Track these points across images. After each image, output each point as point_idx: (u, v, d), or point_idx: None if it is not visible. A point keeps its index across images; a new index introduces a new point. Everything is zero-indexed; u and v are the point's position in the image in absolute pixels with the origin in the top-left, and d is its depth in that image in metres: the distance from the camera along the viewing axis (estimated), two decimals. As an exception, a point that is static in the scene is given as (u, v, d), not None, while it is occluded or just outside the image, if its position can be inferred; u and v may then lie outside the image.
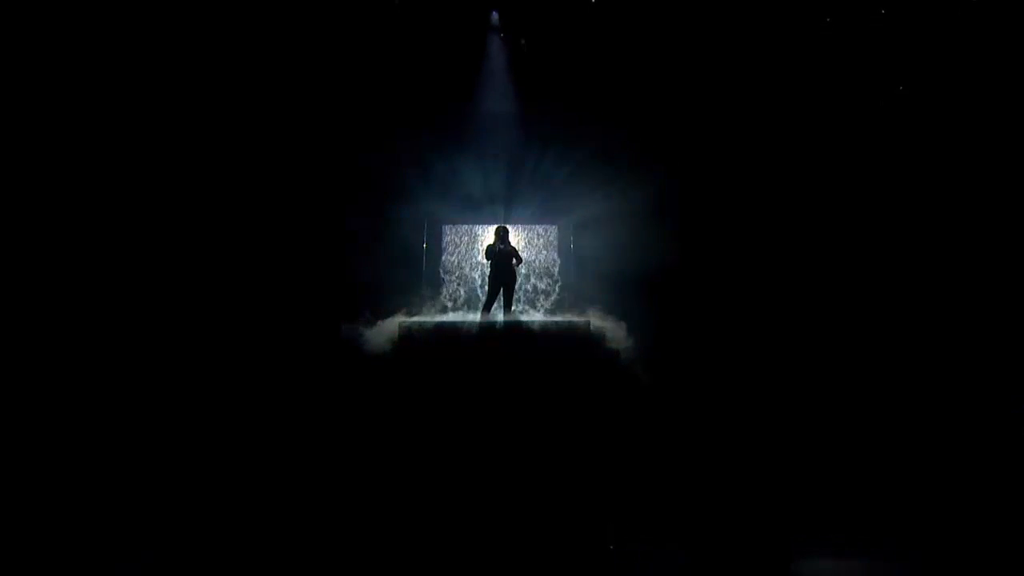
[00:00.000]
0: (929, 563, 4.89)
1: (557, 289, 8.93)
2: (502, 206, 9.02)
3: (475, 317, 7.98)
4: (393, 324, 7.59)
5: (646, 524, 5.78)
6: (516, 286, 8.14)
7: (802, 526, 5.51)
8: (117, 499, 6.07)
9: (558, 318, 7.93)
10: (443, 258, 9.03)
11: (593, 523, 5.94)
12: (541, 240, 9.18)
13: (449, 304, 8.74)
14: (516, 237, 8.97)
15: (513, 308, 8.03)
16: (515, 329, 7.55)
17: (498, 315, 7.86)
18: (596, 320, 7.67)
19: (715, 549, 5.38)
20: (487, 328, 7.61)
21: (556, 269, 9.02)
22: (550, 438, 6.81)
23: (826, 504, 5.86)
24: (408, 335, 7.46)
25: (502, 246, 8.00)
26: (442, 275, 8.97)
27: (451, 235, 9.16)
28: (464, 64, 9.02)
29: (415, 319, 7.74)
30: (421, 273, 8.81)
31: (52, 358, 7.51)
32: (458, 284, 8.93)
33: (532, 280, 8.96)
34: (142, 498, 6.10)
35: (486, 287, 8.15)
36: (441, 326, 7.60)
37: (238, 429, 7.34)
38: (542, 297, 8.87)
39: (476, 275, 8.96)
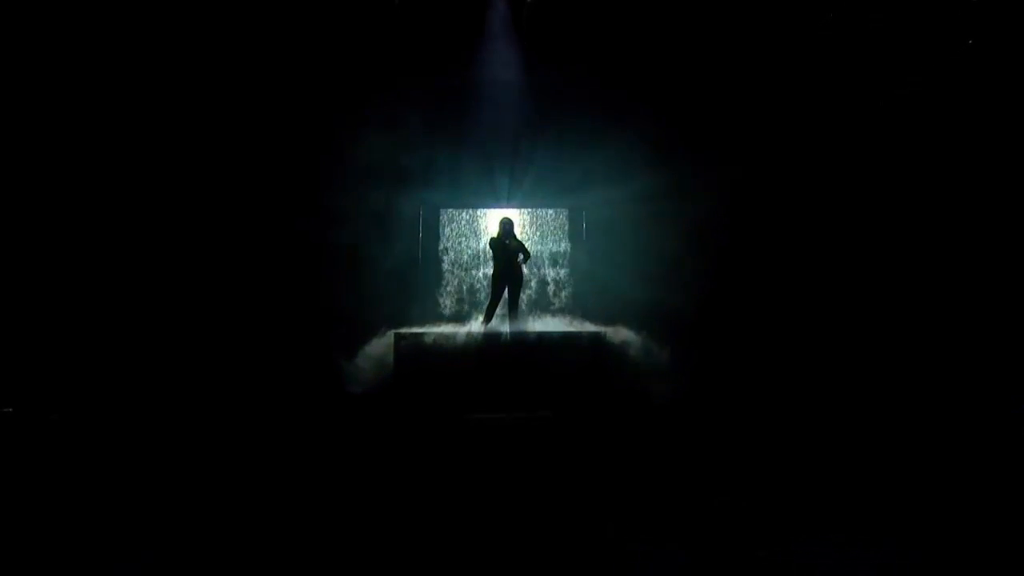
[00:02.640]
0: (929, 563, 4.84)
1: (568, 281, 8.28)
2: (506, 187, 8.34)
3: (477, 323, 7.51)
4: (388, 336, 7.16)
5: (646, 524, 5.62)
6: (523, 284, 7.60)
7: (802, 526, 5.48)
8: (117, 499, 6.02)
9: (568, 327, 7.44)
10: (441, 247, 8.41)
11: (593, 523, 5.82)
12: (550, 225, 8.49)
13: (449, 303, 8.21)
14: (522, 222, 8.37)
15: (519, 308, 7.46)
16: (520, 340, 7.10)
17: (502, 322, 7.41)
18: (610, 329, 7.17)
19: (715, 549, 5.26)
20: (490, 339, 7.15)
21: (566, 259, 8.38)
22: (553, 442, 6.57)
23: (826, 504, 5.85)
24: (405, 347, 7.03)
25: (507, 240, 7.44)
26: (441, 264, 8.36)
27: (450, 220, 8.48)
28: (461, 25, 8.11)
29: (412, 329, 7.30)
30: (418, 266, 8.26)
31: (52, 359, 7.42)
32: (459, 276, 8.33)
33: (540, 272, 8.30)
34: (142, 498, 6.04)
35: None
36: (441, 337, 7.12)
37: (238, 431, 7.10)
38: (551, 291, 8.23)
39: (479, 265, 8.31)
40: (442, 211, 8.43)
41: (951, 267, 7.67)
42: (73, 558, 5.19)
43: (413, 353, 6.97)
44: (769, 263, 7.90)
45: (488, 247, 7.66)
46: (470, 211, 8.45)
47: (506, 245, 7.39)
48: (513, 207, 8.25)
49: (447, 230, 8.41)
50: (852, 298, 7.80)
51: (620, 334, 7.12)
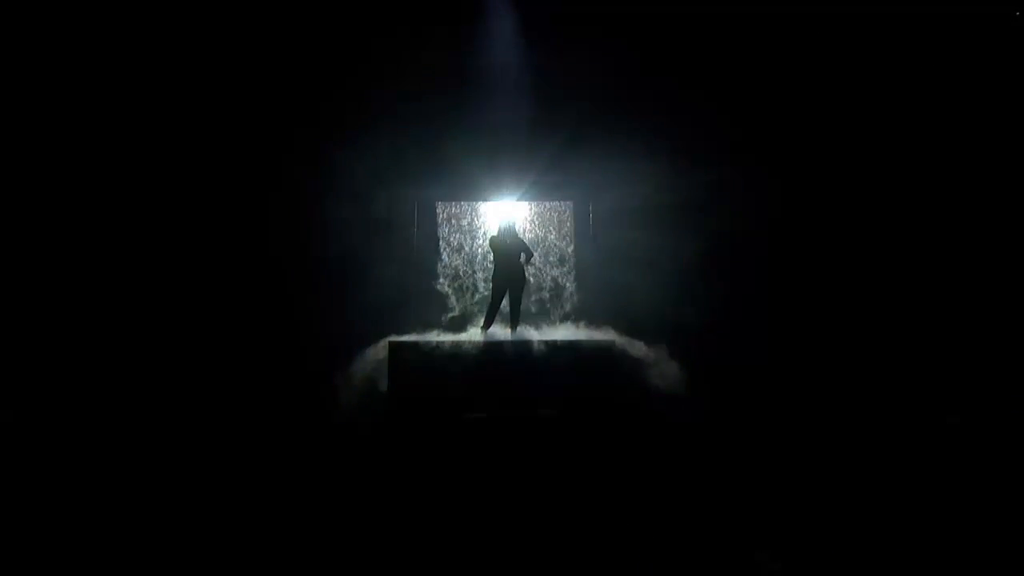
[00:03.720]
0: (928, 563, 4.90)
1: (572, 282, 7.80)
2: (506, 178, 7.71)
3: (476, 329, 7.11)
4: (381, 345, 6.74)
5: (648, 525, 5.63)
6: (525, 286, 7.12)
7: (803, 527, 5.49)
8: (117, 499, 6.02)
9: (574, 335, 7.00)
10: (438, 244, 7.86)
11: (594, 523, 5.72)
12: (554, 220, 7.95)
13: (446, 306, 7.70)
14: (524, 217, 7.85)
15: (521, 313, 7.04)
16: (523, 349, 6.65)
17: (503, 327, 7.01)
18: (621, 337, 6.74)
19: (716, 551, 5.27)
20: (491, 348, 6.72)
21: (571, 259, 7.87)
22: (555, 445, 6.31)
23: (826, 505, 5.82)
24: (400, 358, 6.61)
25: (508, 239, 6.98)
26: (438, 264, 7.81)
27: (447, 215, 7.93)
28: None
29: (407, 338, 6.83)
30: (412, 266, 7.72)
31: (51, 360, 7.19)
32: (457, 277, 7.82)
33: (542, 272, 7.80)
34: (142, 498, 6.03)
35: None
36: (438, 346, 6.68)
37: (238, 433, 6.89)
38: (554, 294, 7.77)
39: (479, 266, 7.81)
40: (439, 205, 7.88)
41: (957, 270, 7.43)
42: (73, 558, 5.17)
43: (409, 364, 6.55)
44: (799, 274, 7.48)
45: (488, 246, 7.20)
46: (469, 204, 7.90)
47: (507, 244, 6.94)
48: (514, 200, 7.74)
49: (444, 226, 7.87)
50: (851, 296, 7.52)
51: (630, 344, 6.70)
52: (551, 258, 7.85)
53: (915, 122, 7.48)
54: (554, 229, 7.91)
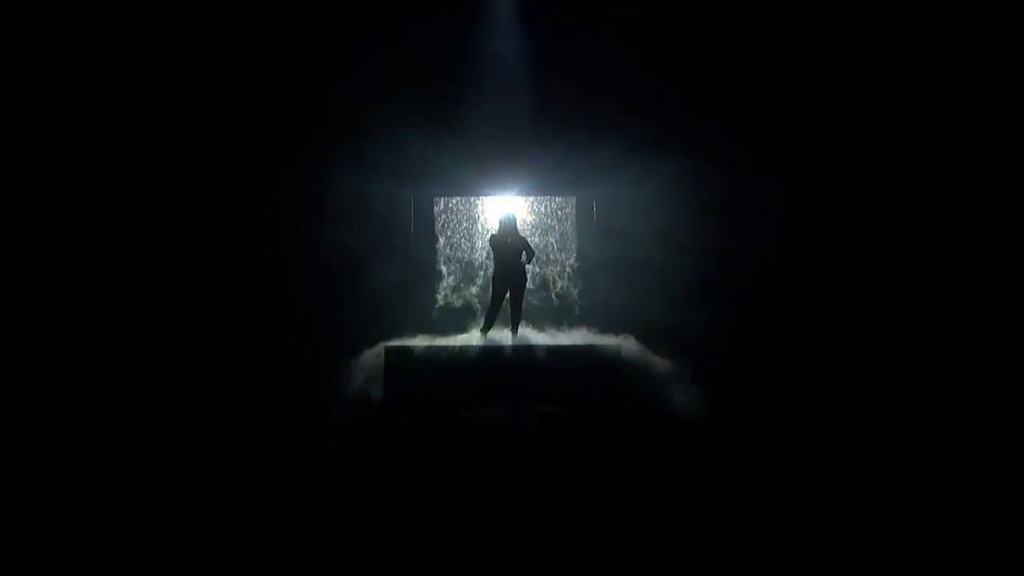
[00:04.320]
0: (927, 564, 4.76)
1: (574, 281, 7.59)
2: (506, 172, 7.47)
3: (476, 331, 6.92)
4: (377, 350, 6.60)
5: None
6: (526, 287, 6.93)
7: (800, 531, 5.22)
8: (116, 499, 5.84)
9: (577, 338, 6.82)
10: (438, 242, 7.67)
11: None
12: (556, 215, 7.72)
13: (445, 308, 7.52)
14: (524, 212, 7.59)
15: (522, 314, 6.86)
16: (525, 353, 6.52)
17: (504, 333, 6.81)
18: (626, 340, 6.55)
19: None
20: (492, 353, 6.56)
21: (573, 257, 7.65)
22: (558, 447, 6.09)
23: (824, 508, 5.55)
24: (396, 363, 6.45)
25: (508, 238, 6.78)
26: (436, 263, 7.63)
27: (445, 212, 7.72)
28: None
29: (403, 342, 6.68)
30: (409, 266, 7.51)
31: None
32: (456, 277, 7.62)
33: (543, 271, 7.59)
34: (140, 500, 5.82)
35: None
36: (437, 350, 6.56)
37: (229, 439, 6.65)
38: (555, 294, 7.58)
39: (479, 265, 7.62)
40: (436, 201, 7.65)
41: (961, 271, 7.22)
42: (72, 558, 5.05)
43: (406, 370, 6.41)
44: (810, 275, 7.22)
45: (488, 245, 6.99)
46: (467, 200, 7.67)
47: (508, 243, 6.75)
48: (515, 195, 7.51)
49: (442, 223, 7.66)
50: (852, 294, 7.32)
51: (636, 348, 6.53)
52: (550, 257, 7.62)
53: (927, 123, 7.21)
54: (556, 226, 7.67)
